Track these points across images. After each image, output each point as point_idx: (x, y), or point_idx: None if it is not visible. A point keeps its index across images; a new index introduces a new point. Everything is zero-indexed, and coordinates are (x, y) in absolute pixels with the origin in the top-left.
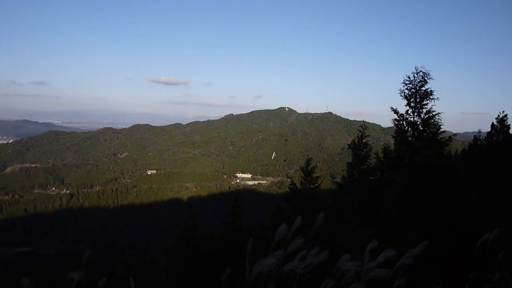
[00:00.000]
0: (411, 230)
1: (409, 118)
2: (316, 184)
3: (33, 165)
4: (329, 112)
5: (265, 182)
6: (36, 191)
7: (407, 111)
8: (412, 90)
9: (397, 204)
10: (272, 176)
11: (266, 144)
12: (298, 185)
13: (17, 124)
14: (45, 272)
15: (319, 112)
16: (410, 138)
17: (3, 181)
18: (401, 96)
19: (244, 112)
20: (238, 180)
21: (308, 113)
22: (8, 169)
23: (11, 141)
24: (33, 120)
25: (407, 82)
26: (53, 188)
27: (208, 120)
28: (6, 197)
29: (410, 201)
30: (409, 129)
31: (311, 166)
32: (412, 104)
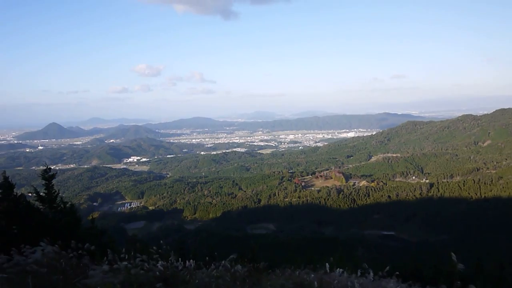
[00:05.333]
0: None
1: None
2: None
3: (394, 155)
4: None
5: None
6: (397, 179)
7: None
8: None
9: None
10: None
11: None
12: None
13: (379, 117)
14: (407, 257)
15: None
16: None
17: (369, 169)
18: None
19: None
20: None
21: None
22: (373, 158)
23: (374, 133)
24: (392, 112)
25: None
26: (413, 177)
27: None
28: (372, 184)
29: None
30: None
31: None
32: None
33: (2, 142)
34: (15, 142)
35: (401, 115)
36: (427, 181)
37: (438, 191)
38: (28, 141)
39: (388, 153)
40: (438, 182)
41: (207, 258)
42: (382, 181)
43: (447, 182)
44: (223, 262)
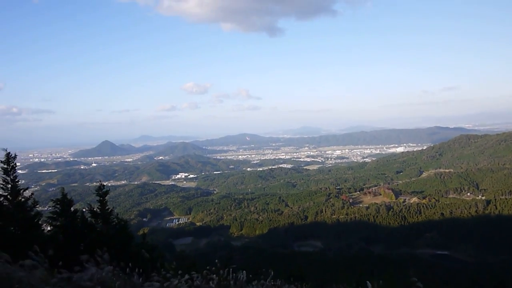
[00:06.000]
0: None
1: None
2: None
3: (447, 170)
4: None
5: None
6: (451, 195)
7: None
8: None
9: None
10: None
11: None
12: None
13: (429, 131)
14: (464, 278)
15: None
16: None
17: (420, 185)
18: None
19: None
20: None
21: None
22: (424, 174)
23: (425, 147)
24: (444, 126)
25: None
26: (468, 194)
27: None
28: (424, 201)
29: None
30: None
31: None
32: None
33: (59, 159)
34: (71, 159)
35: (453, 128)
36: (483, 197)
37: (496, 208)
38: (82, 158)
39: (440, 168)
40: (495, 199)
41: (250, 275)
42: (434, 198)
43: (506, 198)
44: (272, 280)
